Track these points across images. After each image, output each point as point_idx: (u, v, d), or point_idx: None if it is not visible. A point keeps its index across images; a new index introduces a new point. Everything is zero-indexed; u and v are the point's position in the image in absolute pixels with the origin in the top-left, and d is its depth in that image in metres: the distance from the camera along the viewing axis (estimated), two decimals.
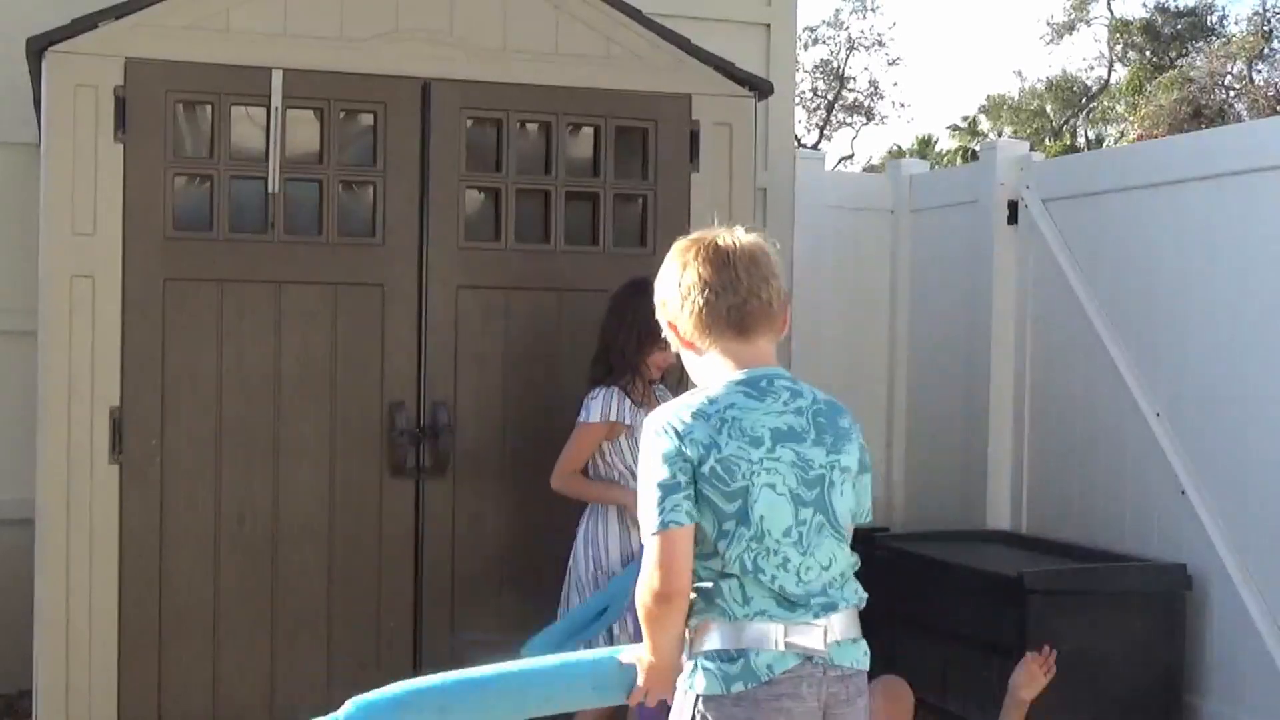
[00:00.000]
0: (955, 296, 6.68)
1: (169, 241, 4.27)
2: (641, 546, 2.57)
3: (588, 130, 4.72)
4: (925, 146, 30.90)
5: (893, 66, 42.61)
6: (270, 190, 4.35)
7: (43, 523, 4.19)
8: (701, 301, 2.52)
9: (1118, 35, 30.53)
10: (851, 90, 30.98)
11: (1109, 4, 36.59)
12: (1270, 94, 26.19)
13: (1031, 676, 4.14)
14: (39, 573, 4.20)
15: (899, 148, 31.18)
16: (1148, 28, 29.86)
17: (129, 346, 4.22)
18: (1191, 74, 27.38)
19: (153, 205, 4.24)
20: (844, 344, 6.99)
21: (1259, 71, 27.29)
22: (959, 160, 27.61)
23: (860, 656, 2.59)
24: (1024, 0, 54.44)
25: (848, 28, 31.13)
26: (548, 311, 4.61)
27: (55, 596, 4.17)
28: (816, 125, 30.43)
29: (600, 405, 4.09)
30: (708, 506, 2.45)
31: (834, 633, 2.53)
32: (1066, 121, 31.80)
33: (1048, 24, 32.36)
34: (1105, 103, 31.35)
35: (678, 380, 4.42)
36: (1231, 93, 27.08)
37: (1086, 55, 47.21)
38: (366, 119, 4.50)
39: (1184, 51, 29.42)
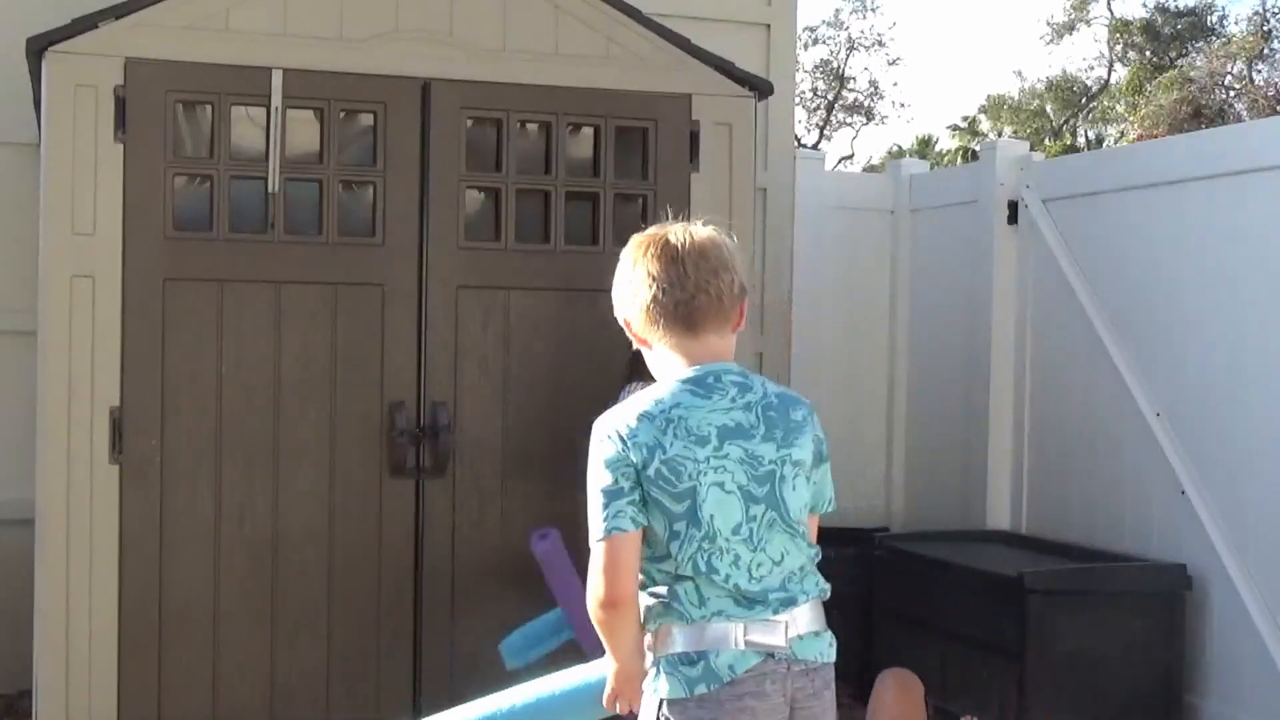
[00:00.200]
0: (955, 296, 6.68)
1: (169, 241, 4.27)
2: None
3: (588, 130, 4.72)
4: (925, 146, 30.90)
5: (893, 66, 42.69)
6: (270, 190, 4.35)
7: (43, 523, 4.19)
8: (649, 297, 2.53)
9: (1118, 35, 30.54)
10: (851, 90, 31.00)
11: (1109, 4, 36.62)
12: (1270, 94, 26.19)
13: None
14: (39, 573, 4.20)
15: (899, 148, 31.18)
16: (1148, 28, 29.87)
17: (129, 346, 4.22)
18: (1191, 74, 27.38)
19: (153, 205, 4.24)
20: (844, 344, 7.00)
21: (1259, 71, 27.30)
22: (959, 160, 27.60)
23: (825, 649, 2.56)
24: (1024, 0, 54.46)
25: (848, 28, 31.17)
26: (548, 311, 4.61)
27: (55, 596, 4.17)
28: (816, 125, 30.46)
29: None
30: (657, 508, 2.46)
31: (796, 627, 2.50)
32: (1066, 121, 31.80)
33: (1048, 24, 32.43)
34: (1105, 103, 31.35)
35: None
36: (1231, 93, 27.09)
37: (1086, 55, 47.22)
38: (366, 119, 4.50)
39: (1184, 51, 29.43)
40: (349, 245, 4.45)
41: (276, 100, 4.33)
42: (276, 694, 4.38)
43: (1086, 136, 31.24)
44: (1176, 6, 29.82)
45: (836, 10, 46.04)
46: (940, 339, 6.79)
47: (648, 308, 2.54)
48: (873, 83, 31.26)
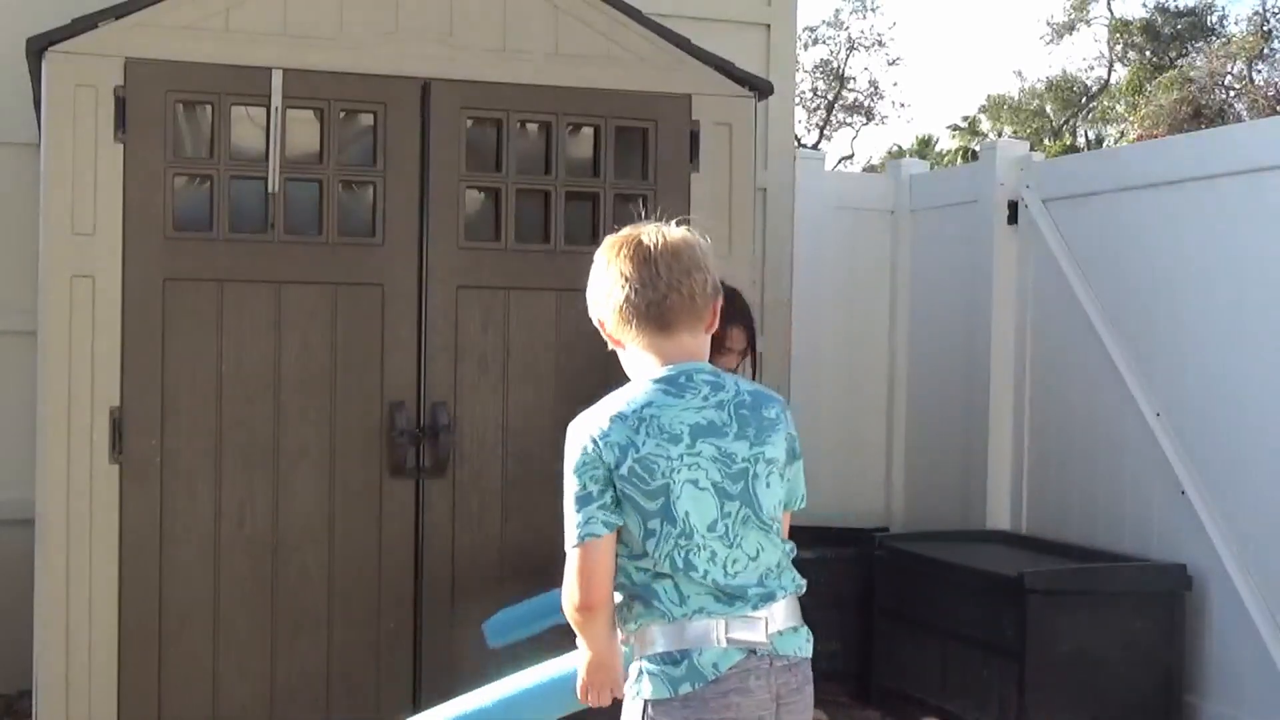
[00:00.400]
0: (955, 296, 6.68)
1: (169, 241, 4.26)
2: None
3: (588, 130, 4.72)
4: (925, 146, 30.90)
5: (893, 66, 42.69)
6: (270, 190, 4.35)
7: (43, 523, 4.18)
8: (622, 297, 2.56)
9: (1118, 35, 30.54)
10: (851, 90, 31.01)
11: (1109, 4, 36.65)
12: (1270, 94, 26.19)
13: None
14: (39, 573, 4.20)
15: (899, 148, 31.17)
16: (1148, 28, 29.87)
17: (129, 346, 4.22)
18: (1191, 74, 27.38)
19: (153, 205, 4.24)
20: (844, 344, 7.00)
21: (1259, 71, 27.30)
22: (959, 160, 27.60)
23: (803, 644, 2.60)
24: (1024, 0, 54.46)
25: (848, 28, 31.20)
26: (548, 311, 4.61)
27: (55, 596, 4.16)
28: (816, 125, 30.46)
29: None
30: (631, 507, 2.48)
31: (775, 623, 2.53)
32: (1066, 121, 31.80)
33: (1048, 24, 32.44)
34: (1105, 103, 31.35)
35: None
36: (1231, 93, 27.09)
37: (1086, 55, 47.24)
38: (366, 119, 4.50)
39: (1184, 51, 29.43)
40: (349, 245, 4.45)
41: (276, 100, 4.33)
42: (276, 694, 4.37)
43: (1086, 136, 31.25)
44: (1176, 6, 29.82)
45: (836, 10, 46.13)
46: (940, 339, 6.79)
47: (621, 308, 2.56)
48: (873, 83, 31.29)
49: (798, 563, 2.70)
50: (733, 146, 4.79)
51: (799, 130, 27.89)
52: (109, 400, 4.20)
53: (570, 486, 2.51)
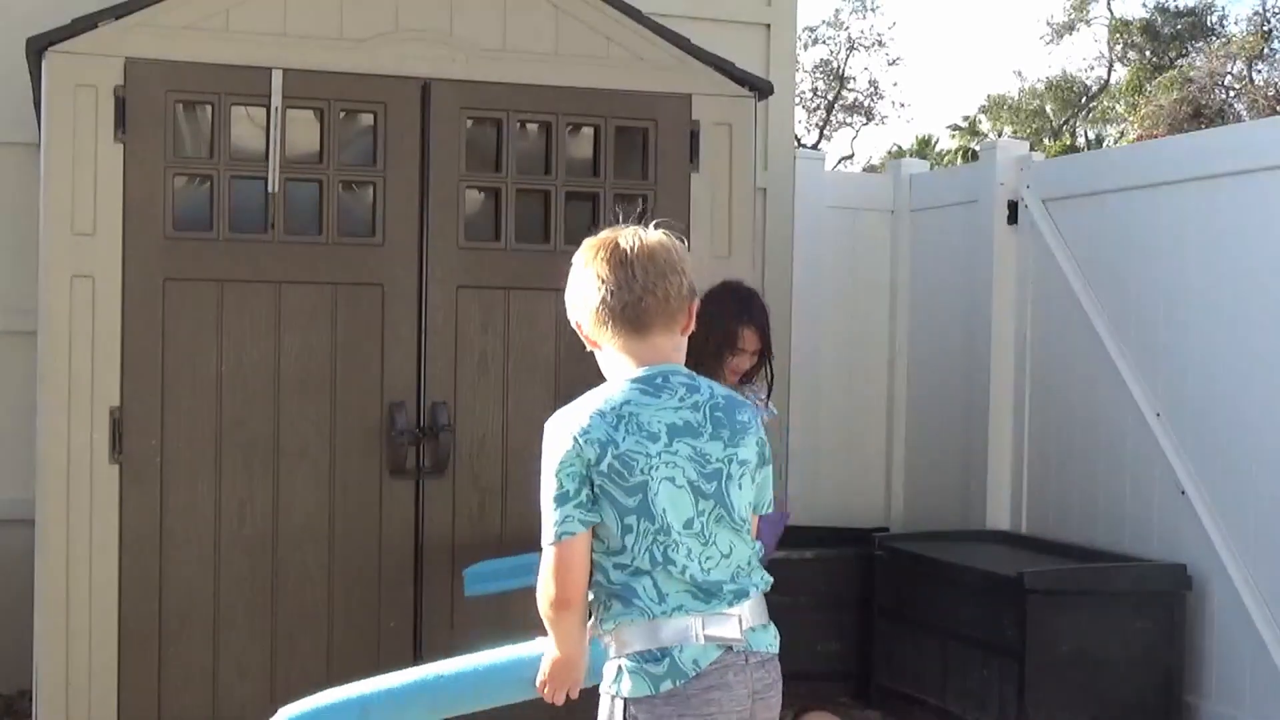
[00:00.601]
0: (955, 296, 6.68)
1: (169, 241, 4.27)
2: None
3: (588, 130, 4.72)
4: (925, 146, 30.88)
5: (893, 66, 42.64)
6: (270, 190, 4.35)
7: (43, 523, 4.19)
8: (597, 300, 2.59)
9: (1118, 35, 30.53)
10: (851, 90, 30.98)
11: (1109, 4, 36.63)
12: (1270, 94, 26.19)
13: None
14: (39, 573, 4.20)
15: (899, 148, 31.16)
16: (1148, 28, 29.86)
17: (129, 346, 4.22)
18: (1191, 74, 27.36)
19: (153, 205, 4.24)
20: (844, 344, 7.00)
21: (1259, 71, 27.29)
22: (959, 160, 27.60)
23: (772, 641, 2.65)
24: (1024, 0, 54.47)
25: (848, 28, 31.13)
26: (548, 311, 4.60)
27: (55, 596, 4.17)
28: (816, 125, 30.45)
29: None
30: (608, 502, 2.52)
31: (747, 620, 2.58)
32: (1066, 121, 31.79)
33: (1048, 24, 32.37)
34: (1105, 103, 31.35)
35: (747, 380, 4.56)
36: (1231, 93, 27.08)
37: (1086, 55, 47.21)
38: (366, 119, 4.50)
39: (1184, 51, 29.42)
40: (349, 245, 4.45)
41: (276, 100, 4.33)
42: (276, 694, 4.37)
43: (1086, 136, 31.24)
44: (1176, 6, 29.81)
45: (836, 10, 46.09)
46: (940, 339, 6.79)
47: (597, 309, 2.60)
48: (873, 83, 31.26)
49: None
50: (733, 146, 4.79)
51: (799, 130, 27.90)
52: (109, 400, 4.20)
53: (548, 485, 2.54)
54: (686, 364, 4.48)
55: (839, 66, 30.67)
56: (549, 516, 2.54)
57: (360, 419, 4.44)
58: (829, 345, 6.94)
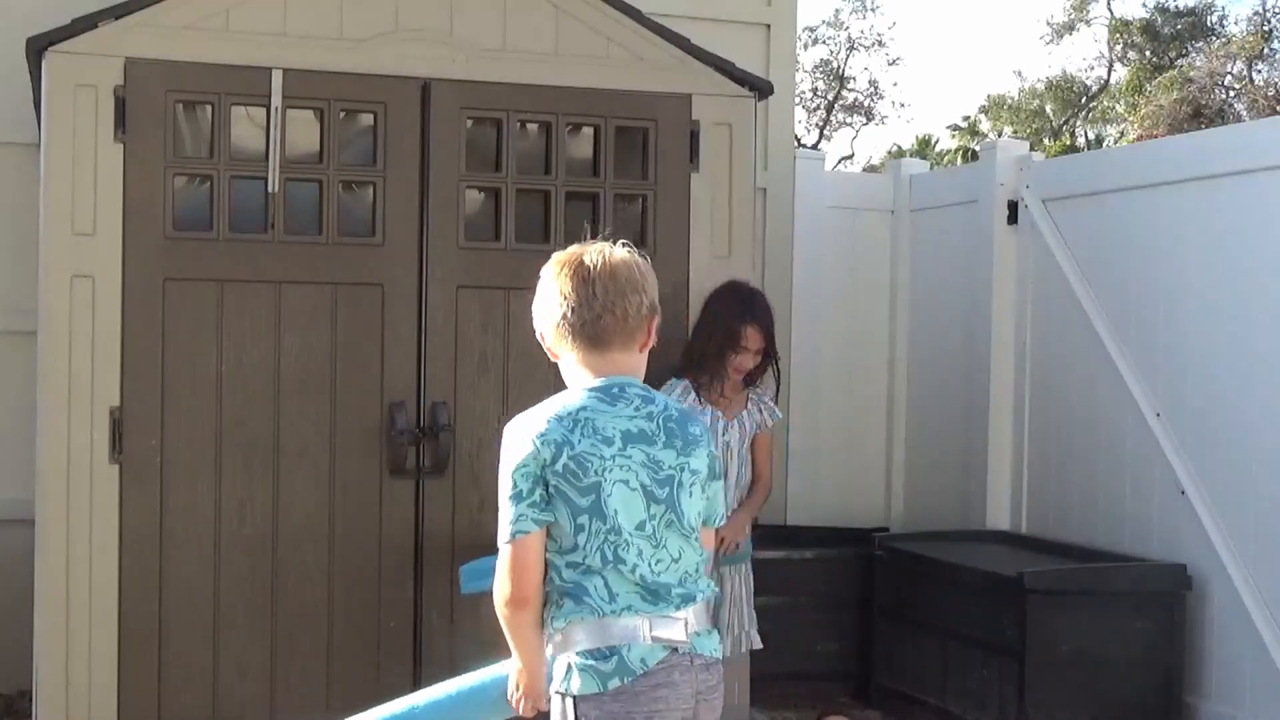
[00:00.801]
0: (955, 296, 6.68)
1: (169, 241, 4.27)
2: None
3: (588, 130, 4.72)
4: (925, 146, 30.88)
5: (893, 66, 42.63)
6: (270, 190, 4.35)
7: (43, 523, 4.19)
8: (559, 315, 2.70)
9: (1118, 35, 30.52)
10: (851, 90, 30.97)
11: (1109, 4, 36.63)
12: (1270, 94, 26.18)
13: None
14: (39, 573, 4.20)
15: (899, 148, 31.16)
16: (1148, 28, 29.85)
17: (129, 346, 4.22)
18: (1191, 74, 27.36)
19: (153, 205, 4.24)
20: (844, 344, 7.00)
21: (1259, 71, 27.28)
22: (959, 160, 27.58)
23: (715, 646, 2.73)
24: (1024, 0, 54.46)
25: (848, 28, 31.12)
26: None
27: (55, 596, 4.17)
28: (816, 125, 30.44)
29: (665, 393, 4.12)
30: (563, 502, 2.60)
31: (693, 624, 2.66)
32: (1066, 121, 31.79)
33: (1048, 24, 32.36)
34: (1105, 103, 31.34)
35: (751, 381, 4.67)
36: (1231, 93, 27.07)
37: (1086, 55, 47.21)
38: (366, 119, 4.50)
39: (1184, 51, 29.41)
40: (349, 245, 4.45)
41: (276, 100, 4.33)
42: (276, 694, 4.38)
43: (1086, 136, 31.24)
44: (1176, 6, 29.80)
45: (836, 10, 46.10)
46: (940, 339, 6.79)
47: (559, 324, 2.71)
48: (873, 83, 31.24)
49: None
50: (733, 146, 4.79)
51: (799, 130, 27.89)
52: (109, 400, 4.20)
53: (504, 485, 2.63)
54: (691, 362, 4.59)
55: (839, 66, 30.67)
56: (504, 516, 2.62)
57: (360, 419, 4.44)
58: (829, 345, 6.94)
